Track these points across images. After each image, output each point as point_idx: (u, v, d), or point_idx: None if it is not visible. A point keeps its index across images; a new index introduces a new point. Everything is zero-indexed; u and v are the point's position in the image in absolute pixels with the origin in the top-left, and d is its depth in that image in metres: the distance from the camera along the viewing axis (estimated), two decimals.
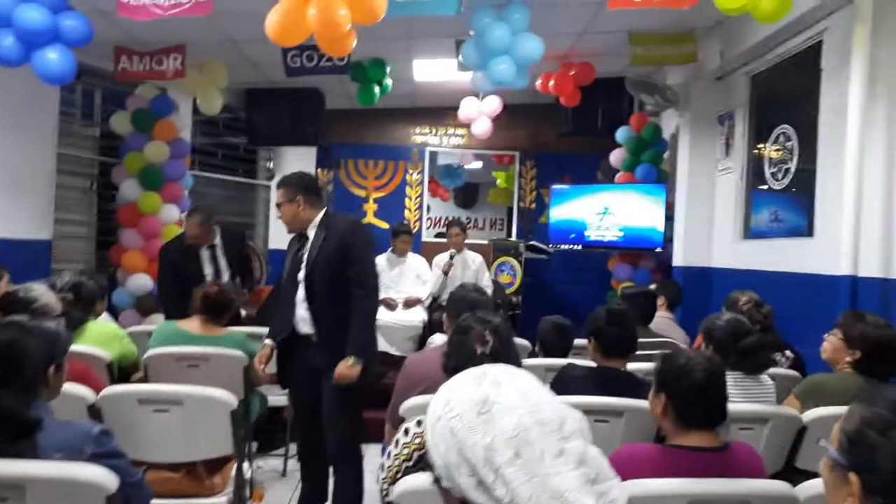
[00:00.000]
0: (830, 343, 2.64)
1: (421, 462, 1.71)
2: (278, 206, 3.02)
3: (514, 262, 6.62)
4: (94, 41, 3.68)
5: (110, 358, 2.98)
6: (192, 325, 3.25)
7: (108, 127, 5.48)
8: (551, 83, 5.45)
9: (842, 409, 2.32)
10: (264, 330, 3.27)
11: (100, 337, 3.08)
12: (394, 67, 5.66)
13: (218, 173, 6.90)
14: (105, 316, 3.75)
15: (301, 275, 2.95)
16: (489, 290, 5.71)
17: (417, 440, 1.72)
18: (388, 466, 1.73)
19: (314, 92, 6.43)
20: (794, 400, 2.61)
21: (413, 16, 3.72)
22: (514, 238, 7.64)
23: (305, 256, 2.95)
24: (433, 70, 5.90)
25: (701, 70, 5.18)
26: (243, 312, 4.84)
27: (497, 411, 0.91)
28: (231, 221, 6.39)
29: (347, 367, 2.80)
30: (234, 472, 2.62)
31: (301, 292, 2.95)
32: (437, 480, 0.96)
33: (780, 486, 1.63)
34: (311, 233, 2.99)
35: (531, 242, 7.02)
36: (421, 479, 1.63)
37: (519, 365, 1.79)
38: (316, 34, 2.94)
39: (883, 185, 3.34)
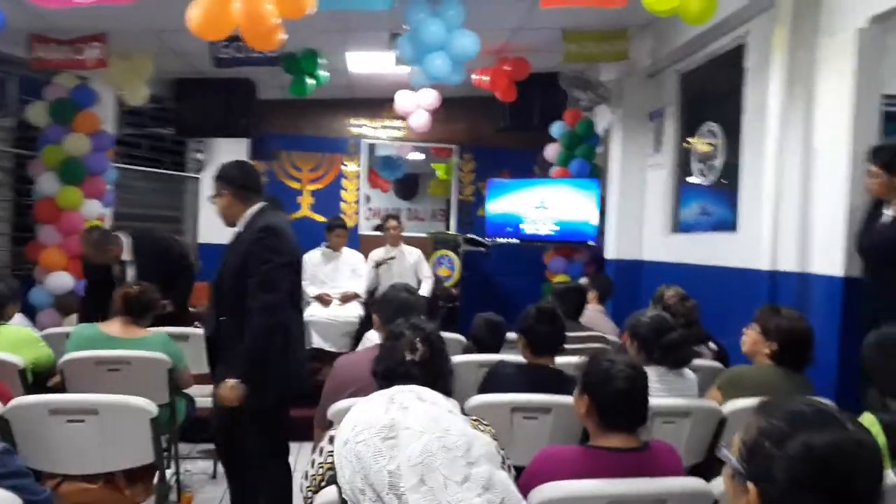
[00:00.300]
0: (749, 336, 2.74)
1: None
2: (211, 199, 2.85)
3: (453, 256, 6.64)
4: (9, 27, 3.48)
5: (23, 364, 2.83)
6: (112, 327, 3.12)
7: (24, 118, 5.19)
8: (486, 78, 5.45)
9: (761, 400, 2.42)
10: (189, 330, 3.17)
11: (11, 342, 2.93)
12: (328, 59, 5.56)
13: (144, 165, 6.65)
14: (20, 318, 3.57)
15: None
16: (429, 282, 5.72)
17: None
18: (312, 475, 1.70)
19: (246, 82, 6.26)
20: (715, 392, 2.69)
21: (346, 9, 3.65)
22: (452, 230, 7.66)
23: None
24: (369, 62, 5.83)
25: (633, 67, 5.28)
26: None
27: (403, 437, 0.92)
28: (154, 226, 6.10)
29: (227, 389, 2.54)
30: (156, 480, 2.53)
31: (214, 294, 2.76)
32: (343, 502, 0.95)
33: (695, 483, 1.68)
34: (239, 230, 2.77)
35: (469, 236, 7.04)
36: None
37: (450, 372, 1.79)
38: (241, 28, 2.84)
39: (800, 182, 3.47)
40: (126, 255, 4.27)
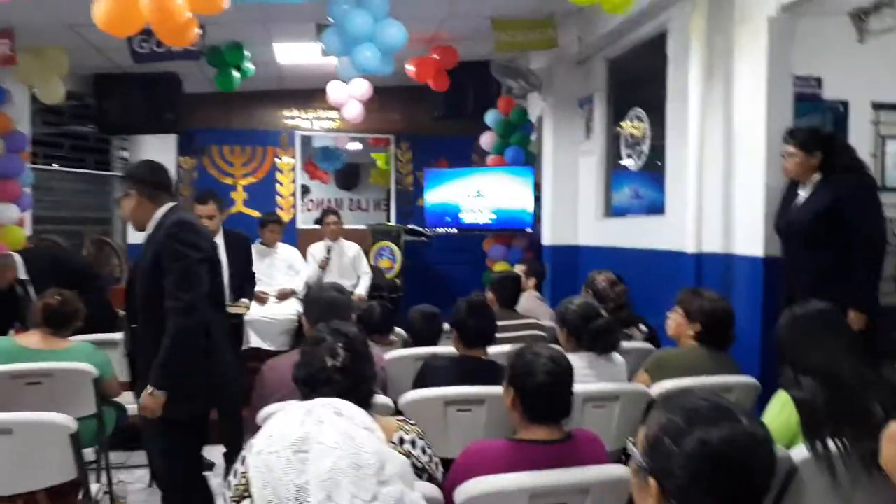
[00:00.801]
0: (673, 320, 2.82)
1: None
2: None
3: (394, 247, 6.62)
4: None
5: None
6: (31, 339, 2.98)
7: None
8: (413, 68, 5.41)
9: (686, 381, 2.50)
10: (114, 336, 3.06)
11: None
12: (254, 51, 5.42)
13: (67, 165, 6.37)
14: None
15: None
16: (367, 279, 5.67)
17: None
18: (235, 485, 1.67)
19: (170, 76, 6.05)
20: (643, 375, 2.76)
21: (262, 2, 3.55)
22: (392, 221, 7.63)
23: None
24: (297, 54, 5.72)
25: (562, 55, 5.33)
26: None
27: (315, 451, 0.91)
28: (51, 238, 5.73)
29: (147, 397, 2.38)
30: (81, 496, 2.44)
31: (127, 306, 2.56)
32: None
33: (617, 471, 1.72)
34: (149, 231, 2.57)
35: (410, 226, 7.02)
36: None
37: (374, 377, 1.77)
38: (152, 24, 2.73)
39: (722, 165, 3.58)
40: (21, 274, 4.05)
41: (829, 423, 1.90)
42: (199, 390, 2.48)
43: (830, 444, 1.87)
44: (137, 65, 4.95)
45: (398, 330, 3.66)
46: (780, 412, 2.04)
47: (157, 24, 2.69)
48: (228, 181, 7.23)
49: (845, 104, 4.62)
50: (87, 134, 6.47)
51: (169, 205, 2.57)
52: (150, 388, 2.37)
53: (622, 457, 2.45)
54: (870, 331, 2.91)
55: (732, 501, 0.99)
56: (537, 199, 5.94)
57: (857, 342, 2.12)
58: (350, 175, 11.45)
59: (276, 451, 0.92)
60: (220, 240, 4.04)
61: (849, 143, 3.42)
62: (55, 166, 6.27)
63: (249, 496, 1.60)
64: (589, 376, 2.62)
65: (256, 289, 5.18)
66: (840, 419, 1.89)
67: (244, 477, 1.65)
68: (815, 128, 3.19)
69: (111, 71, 5.91)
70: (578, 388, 2.47)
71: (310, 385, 1.68)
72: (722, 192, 3.58)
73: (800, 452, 1.89)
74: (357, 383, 1.64)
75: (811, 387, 1.97)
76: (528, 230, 6.03)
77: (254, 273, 4.47)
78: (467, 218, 6.31)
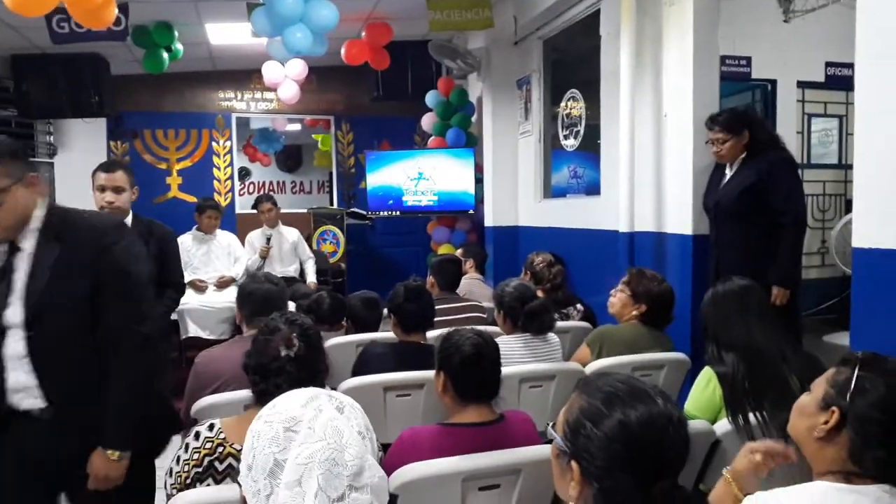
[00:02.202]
0: (619, 299, 2.85)
1: (211, 468, 1.64)
2: None
3: (336, 230, 6.54)
4: None
5: None
6: None
7: None
8: (342, 50, 5.30)
9: (621, 359, 2.56)
10: None
11: None
12: (184, 31, 5.23)
13: None
14: None
15: (15, 316, 1.76)
16: (311, 262, 5.60)
17: (209, 445, 1.64)
18: (177, 472, 1.65)
19: (95, 57, 5.79)
20: (584, 348, 2.81)
21: None
22: (335, 204, 7.54)
23: (21, 284, 1.77)
24: (229, 34, 5.54)
25: (498, 35, 5.33)
26: None
27: (303, 435, 0.95)
28: None
29: (107, 463, 1.80)
30: None
31: (17, 346, 1.76)
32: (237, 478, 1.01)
33: (548, 450, 1.74)
34: (28, 242, 1.80)
35: (352, 209, 6.96)
36: (199, 495, 1.56)
37: (326, 369, 1.76)
38: (66, 4, 2.59)
39: (653, 145, 3.65)
40: None
41: (749, 396, 1.98)
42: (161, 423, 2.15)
43: (751, 416, 1.95)
44: (58, 46, 4.72)
45: None
46: (705, 387, 2.11)
47: (72, 4, 2.56)
48: (163, 166, 7.00)
49: (773, 83, 4.76)
50: (7, 118, 6.15)
51: (45, 201, 1.88)
52: (110, 452, 1.81)
53: None
54: (792, 304, 3.04)
55: (651, 478, 1.03)
56: (479, 181, 5.96)
57: (777, 318, 2.20)
58: (292, 157, 11.23)
59: (270, 421, 0.98)
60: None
61: (763, 119, 3.50)
62: None
63: (192, 483, 1.59)
64: (525, 357, 2.65)
65: (192, 277, 5.06)
66: (760, 393, 1.98)
67: (187, 464, 1.63)
68: (733, 109, 3.26)
69: (30, 52, 5.62)
70: (514, 368, 2.52)
71: (260, 374, 1.66)
72: (653, 172, 3.65)
73: (722, 425, 1.96)
74: (311, 375, 1.62)
75: (733, 362, 2.04)
76: (471, 212, 6.05)
77: (181, 280, 3.16)
78: (410, 200, 6.28)
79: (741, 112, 3.21)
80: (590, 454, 1.05)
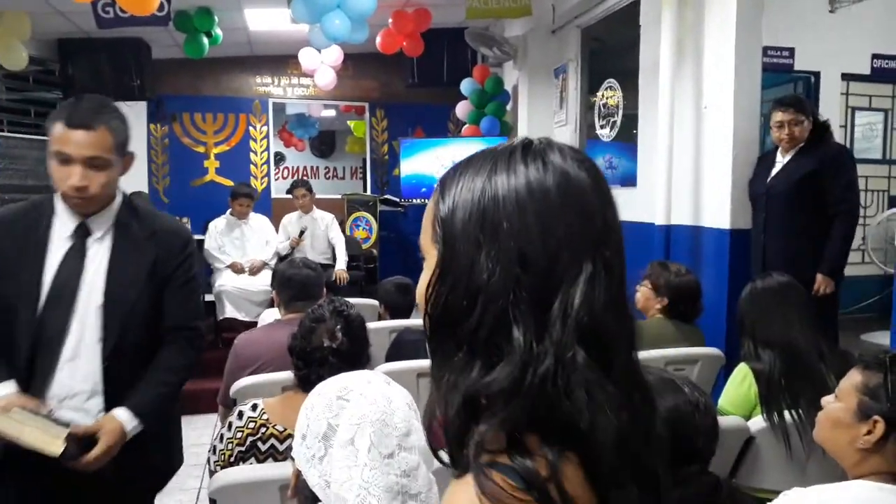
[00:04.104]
0: (642, 294, 2.84)
1: (254, 448, 1.68)
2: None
3: (369, 216, 6.60)
4: None
5: None
6: None
7: None
8: (379, 38, 5.28)
9: (654, 353, 2.55)
10: None
11: None
12: (223, 17, 5.30)
13: (34, 133, 6.21)
14: None
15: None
16: (341, 243, 5.60)
17: (252, 424, 1.68)
18: (221, 450, 1.69)
19: (137, 42, 5.90)
20: None
21: None
22: (368, 191, 7.59)
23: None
24: (269, 20, 5.59)
25: (536, 23, 5.29)
26: None
27: (354, 401, 1.01)
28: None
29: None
30: None
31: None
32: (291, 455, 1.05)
33: None
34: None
35: (385, 196, 7.00)
36: (241, 473, 1.60)
37: (368, 359, 1.77)
38: None
39: (692, 137, 3.60)
40: None
41: (785, 394, 1.96)
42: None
43: (787, 414, 1.94)
44: (102, 30, 4.82)
45: (372, 302, 3.67)
46: (740, 383, 2.10)
47: None
48: (200, 149, 7.11)
49: (817, 75, 4.67)
50: (53, 101, 6.30)
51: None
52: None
53: None
54: (833, 299, 3.00)
55: (680, 461, 1.06)
56: None
57: (816, 314, 2.18)
58: (326, 142, 11.32)
59: (322, 393, 1.03)
60: None
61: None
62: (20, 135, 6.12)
63: (235, 461, 1.64)
64: None
65: (231, 260, 5.16)
66: (796, 391, 1.96)
67: (231, 442, 1.68)
68: (796, 95, 3.22)
69: (76, 35, 5.75)
70: None
71: (304, 360, 1.69)
72: (692, 165, 3.61)
73: (756, 422, 1.95)
74: (352, 366, 1.64)
75: (770, 359, 2.03)
76: None
77: (197, 322, 2.14)
78: None
79: (804, 99, 3.18)
80: None
